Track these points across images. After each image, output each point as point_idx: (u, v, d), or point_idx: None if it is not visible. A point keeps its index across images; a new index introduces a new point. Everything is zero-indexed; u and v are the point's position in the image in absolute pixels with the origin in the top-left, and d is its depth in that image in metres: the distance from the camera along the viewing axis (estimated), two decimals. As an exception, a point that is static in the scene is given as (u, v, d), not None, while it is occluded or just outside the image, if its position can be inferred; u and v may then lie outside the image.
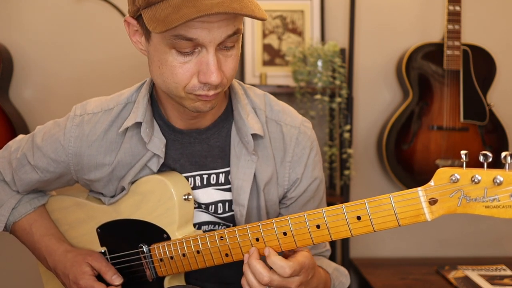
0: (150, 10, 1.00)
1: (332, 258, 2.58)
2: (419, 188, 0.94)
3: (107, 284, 1.26)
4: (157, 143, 1.21)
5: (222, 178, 1.25)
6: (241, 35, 1.07)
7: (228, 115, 1.25)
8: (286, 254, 1.09)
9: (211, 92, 1.07)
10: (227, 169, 1.25)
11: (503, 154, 0.86)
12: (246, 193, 1.22)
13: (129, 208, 1.26)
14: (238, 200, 1.23)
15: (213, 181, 1.26)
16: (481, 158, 0.87)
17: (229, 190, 1.26)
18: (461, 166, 0.90)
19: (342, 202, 2.56)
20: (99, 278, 1.27)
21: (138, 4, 1.03)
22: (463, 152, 0.89)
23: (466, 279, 2.23)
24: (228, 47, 1.05)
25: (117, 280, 1.26)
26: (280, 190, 1.27)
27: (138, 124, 1.21)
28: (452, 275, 2.28)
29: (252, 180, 1.23)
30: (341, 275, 1.32)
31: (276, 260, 1.04)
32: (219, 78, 1.03)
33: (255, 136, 1.22)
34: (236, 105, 1.23)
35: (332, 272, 1.30)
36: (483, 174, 0.87)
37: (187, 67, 1.04)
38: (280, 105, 1.31)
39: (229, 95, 1.26)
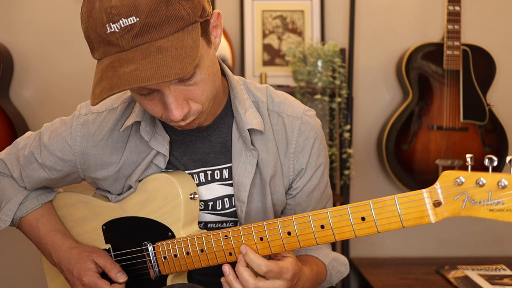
0: (97, 65, 1.00)
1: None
2: (424, 190, 0.94)
3: (111, 281, 1.26)
4: (161, 140, 1.21)
5: (225, 174, 1.25)
6: (201, 68, 1.01)
7: (228, 111, 1.24)
8: (271, 258, 1.11)
9: (183, 123, 1.06)
10: (230, 164, 1.24)
11: (508, 158, 0.86)
12: (246, 190, 1.22)
13: (135, 206, 1.27)
14: (238, 196, 1.23)
15: (217, 177, 1.26)
16: (486, 162, 0.87)
17: (232, 185, 1.26)
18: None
19: (342, 202, 2.57)
20: (103, 276, 1.27)
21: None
22: (468, 156, 0.90)
23: (466, 278, 2.24)
24: (187, 79, 1.01)
25: (121, 277, 1.26)
26: (285, 181, 1.27)
27: (140, 123, 1.22)
28: (452, 275, 2.29)
29: (253, 176, 1.22)
30: (339, 265, 1.33)
31: (253, 258, 1.06)
32: (181, 114, 1.02)
33: (254, 130, 1.22)
34: (234, 101, 1.22)
35: (329, 263, 1.30)
36: (488, 177, 0.87)
37: (154, 103, 1.04)
38: (281, 96, 1.29)
39: (228, 91, 1.25)
